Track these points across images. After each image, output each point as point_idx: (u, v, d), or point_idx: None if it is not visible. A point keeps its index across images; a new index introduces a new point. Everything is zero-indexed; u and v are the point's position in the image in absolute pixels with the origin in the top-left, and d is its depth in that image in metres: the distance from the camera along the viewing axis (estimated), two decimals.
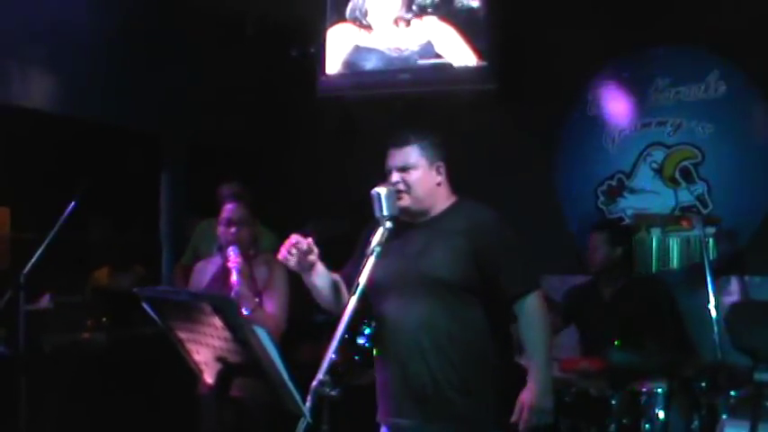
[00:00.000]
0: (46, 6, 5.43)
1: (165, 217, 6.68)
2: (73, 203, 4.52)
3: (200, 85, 6.39)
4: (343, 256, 3.56)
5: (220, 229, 4.29)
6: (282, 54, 6.47)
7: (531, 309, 3.29)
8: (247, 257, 4.23)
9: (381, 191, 3.20)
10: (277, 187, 6.38)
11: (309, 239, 3.21)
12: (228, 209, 4.31)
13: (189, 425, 4.96)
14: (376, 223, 3.14)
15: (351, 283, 3.35)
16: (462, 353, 3.26)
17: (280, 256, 3.21)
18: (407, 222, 3.38)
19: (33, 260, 4.37)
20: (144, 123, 6.39)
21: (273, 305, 4.16)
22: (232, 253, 4.11)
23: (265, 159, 6.68)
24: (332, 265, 3.43)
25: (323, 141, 6.53)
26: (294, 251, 3.18)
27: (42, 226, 4.65)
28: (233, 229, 4.23)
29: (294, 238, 3.20)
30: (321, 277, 3.34)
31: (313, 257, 3.25)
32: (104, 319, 5.45)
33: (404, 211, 3.31)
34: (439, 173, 3.40)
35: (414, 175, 3.35)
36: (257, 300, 4.12)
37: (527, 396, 3.23)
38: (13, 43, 5.50)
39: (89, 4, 5.62)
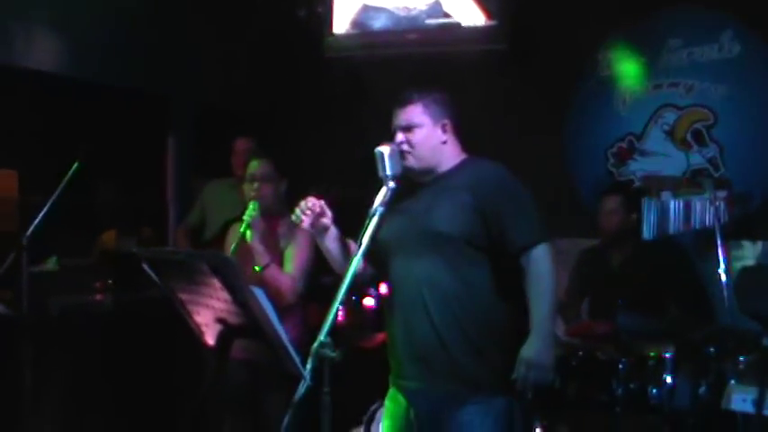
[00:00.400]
0: None
1: (173, 179, 6.65)
2: (75, 166, 4.48)
3: (208, 45, 6.33)
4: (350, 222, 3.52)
5: (245, 186, 4.24)
6: (290, 14, 6.39)
7: (537, 261, 3.15)
8: (270, 215, 4.16)
9: (384, 150, 3.17)
10: (285, 148, 6.32)
11: (322, 201, 3.18)
12: (253, 165, 4.24)
13: (196, 387, 4.99)
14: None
15: None
16: (469, 311, 3.18)
17: (293, 217, 3.19)
18: (414, 183, 3.33)
19: (36, 222, 4.33)
20: (151, 85, 6.34)
21: (292, 265, 4.09)
22: (251, 208, 4.04)
23: (273, 120, 6.63)
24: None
25: (331, 102, 6.46)
26: (308, 212, 3.15)
27: (50, 189, 4.62)
28: (255, 185, 4.17)
29: (309, 199, 3.17)
30: (334, 241, 3.31)
31: (326, 220, 3.22)
32: (110, 282, 5.43)
33: (409, 170, 3.26)
34: (444, 131, 3.31)
35: (418, 135, 3.27)
36: (271, 257, 4.05)
37: (527, 351, 3.12)
38: (17, 4, 5.45)
39: None
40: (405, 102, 3.31)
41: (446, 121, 3.32)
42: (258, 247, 3.99)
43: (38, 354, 4.42)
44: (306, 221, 3.19)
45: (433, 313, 3.19)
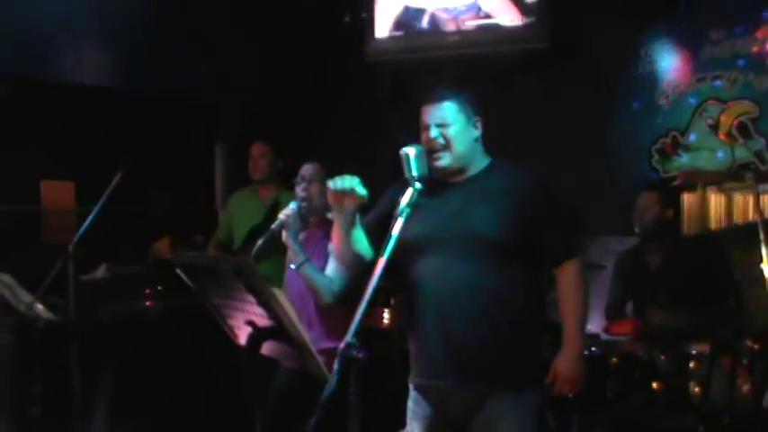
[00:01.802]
0: None
1: (222, 186, 6.75)
2: (118, 176, 4.58)
3: (252, 53, 6.42)
4: None
5: (295, 188, 4.24)
6: (333, 20, 6.46)
7: (571, 275, 3.24)
8: (319, 216, 4.16)
9: (410, 151, 3.13)
10: (329, 153, 6.38)
11: (357, 181, 3.17)
12: (304, 167, 4.25)
13: (240, 391, 5.06)
14: (403, 183, 3.09)
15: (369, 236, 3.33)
16: (506, 313, 3.20)
17: (328, 183, 3.20)
18: (442, 181, 3.32)
19: (81, 231, 4.45)
20: (199, 94, 6.45)
21: (332, 269, 4.03)
22: (289, 207, 4.08)
23: (318, 125, 6.70)
24: None
25: (374, 106, 6.50)
26: (345, 189, 3.17)
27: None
28: (302, 186, 4.18)
29: (345, 177, 3.19)
30: (353, 231, 3.31)
31: (349, 203, 3.22)
32: (160, 288, 5.54)
33: (442, 170, 3.25)
34: (477, 128, 3.31)
35: (453, 130, 3.27)
36: (309, 256, 4.06)
37: (561, 366, 3.21)
38: (69, 20, 5.59)
39: None
40: (439, 98, 3.30)
41: (477, 118, 3.32)
42: (293, 246, 4.00)
43: (87, 360, 4.54)
44: (335, 197, 3.21)
45: (471, 314, 3.19)
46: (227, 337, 3.40)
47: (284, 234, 4.01)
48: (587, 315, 3.31)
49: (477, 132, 3.31)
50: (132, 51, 5.94)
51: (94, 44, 5.86)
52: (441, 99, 3.29)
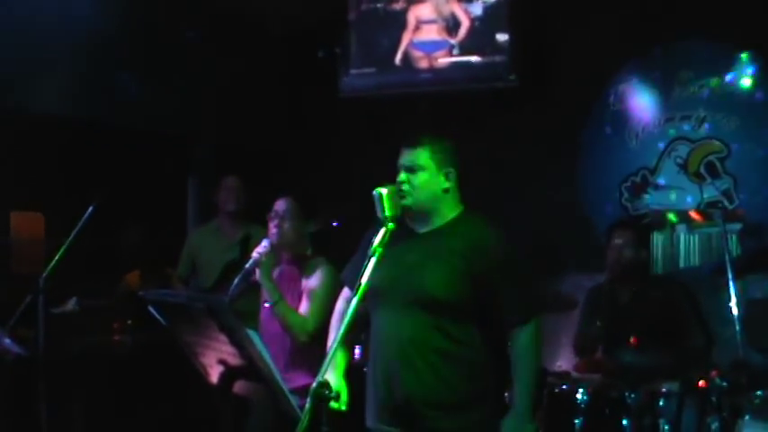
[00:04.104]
0: (67, 7, 5.48)
1: (193, 219, 6.73)
2: (90, 209, 4.56)
3: (226, 87, 6.42)
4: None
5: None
6: (307, 54, 6.49)
7: (525, 339, 3.24)
8: (291, 253, 4.17)
9: (383, 191, 3.15)
10: (301, 187, 6.38)
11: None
12: (277, 203, 4.23)
13: (213, 427, 5.02)
14: (378, 225, 3.11)
15: (351, 285, 3.35)
16: (455, 370, 3.24)
17: None
18: (410, 230, 3.35)
19: (52, 264, 4.42)
20: (171, 127, 6.44)
21: (306, 308, 4.07)
22: (262, 244, 4.05)
23: (291, 160, 6.70)
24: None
25: (347, 141, 6.53)
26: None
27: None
28: (275, 221, 4.15)
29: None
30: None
31: None
32: (129, 322, 5.50)
33: (405, 210, 3.27)
34: (448, 179, 3.31)
35: (420, 177, 3.28)
36: (282, 295, 4.05)
37: (507, 429, 3.24)
38: (36, 51, 5.57)
39: (112, 6, 5.67)
40: (413, 143, 3.32)
41: (450, 170, 3.32)
42: (267, 284, 3.99)
43: (55, 393, 4.49)
44: None
45: (419, 371, 3.23)
46: (197, 374, 3.39)
47: (258, 272, 4.00)
48: (537, 378, 3.34)
49: (447, 183, 3.31)
50: (103, 83, 5.92)
51: (64, 75, 5.83)
52: (415, 144, 3.32)
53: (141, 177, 6.28)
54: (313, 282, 4.11)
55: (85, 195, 4.76)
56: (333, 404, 3.11)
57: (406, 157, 3.33)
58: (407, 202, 3.27)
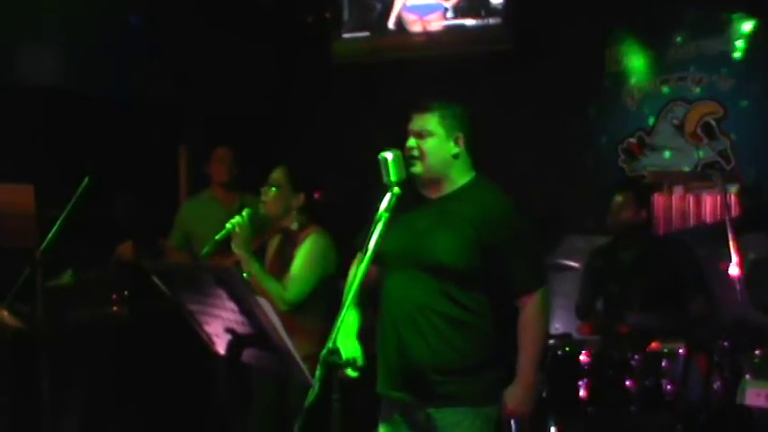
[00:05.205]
0: None
1: (185, 188, 6.68)
2: (85, 181, 4.51)
3: (216, 54, 6.36)
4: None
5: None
6: (298, 20, 6.43)
7: (533, 309, 3.24)
8: (279, 224, 4.17)
9: (388, 156, 3.12)
10: (295, 155, 6.35)
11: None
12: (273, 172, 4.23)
13: (211, 396, 5.02)
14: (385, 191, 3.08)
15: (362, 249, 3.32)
16: (463, 336, 3.23)
17: None
18: (421, 196, 3.32)
19: (49, 237, 4.38)
20: (162, 96, 6.38)
21: (285, 277, 4.05)
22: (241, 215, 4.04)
23: (282, 127, 6.66)
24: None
25: (340, 107, 6.47)
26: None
27: (67, 203, 4.65)
28: (263, 189, 4.17)
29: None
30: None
31: None
32: (126, 293, 5.46)
33: (415, 177, 3.25)
34: (457, 144, 3.27)
35: (429, 143, 3.25)
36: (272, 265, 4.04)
37: (509, 399, 3.25)
38: (25, 22, 5.49)
39: None
40: (422, 108, 3.29)
41: (460, 135, 3.28)
42: (242, 254, 3.97)
43: (55, 367, 4.46)
44: None
45: (427, 336, 3.23)
46: (195, 343, 3.37)
47: (233, 243, 3.99)
48: (542, 348, 3.34)
49: (456, 149, 3.28)
50: (92, 54, 5.85)
51: (53, 46, 5.76)
52: (424, 109, 3.28)
53: (133, 148, 6.22)
54: (299, 248, 4.11)
55: (75, 167, 4.71)
56: (349, 372, 3.12)
57: (416, 123, 3.29)
58: (417, 168, 3.24)
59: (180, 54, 6.24)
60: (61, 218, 4.44)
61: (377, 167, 3.12)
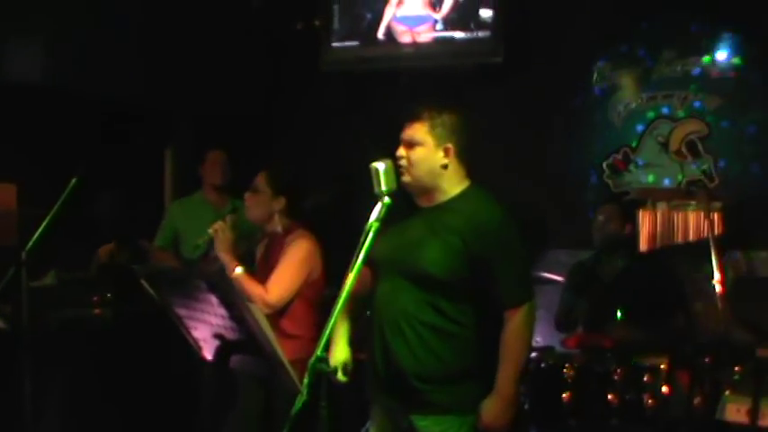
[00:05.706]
0: None
1: (171, 191, 6.67)
2: (73, 182, 4.50)
3: (205, 58, 6.35)
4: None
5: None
6: (288, 26, 6.43)
7: (517, 321, 3.23)
8: (263, 228, 4.22)
9: (379, 166, 3.10)
10: (283, 159, 6.35)
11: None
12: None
13: (194, 399, 5.02)
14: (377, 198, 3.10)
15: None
16: (448, 346, 3.24)
17: None
18: (415, 205, 3.34)
19: (35, 237, 4.35)
20: (150, 97, 6.36)
21: (268, 280, 4.06)
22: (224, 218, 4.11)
23: (270, 133, 6.66)
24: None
25: (328, 115, 6.49)
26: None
27: (49, 202, 4.63)
28: (247, 195, 4.24)
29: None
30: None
31: None
32: (109, 295, 5.44)
33: (405, 186, 3.27)
34: (447, 154, 3.27)
35: (418, 153, 3.25)
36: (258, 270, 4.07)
37: (486, 413, 3.23)
38: (13, 18, 5.47)
39: None
40: (412, 117, 3.29)
41: (449, 145, 3.27)
42: (222, 257, 4.00)
43: (37, 368, 4.44)
44: None
45: (410, 344, 3.25)
46: (179, 346, 3.38)
47: (216, 246, 4.03)
48: (523, 364, 3.31)
49: (445, 160, 3.26)
50: (79, 52, 5.82)
51: (39, 43, 5.74)
52: (414, 119, 3.28)
53: (118, 148, 6.20)
54: (281, 255, 4.13)
55: (59, 166, 4.69)
56: (339, 376, 3.14)
57: (406, 131, 3.30)
58: (406, 178, 3.26)
59: (169, 55, 6.23)
60: (48, 218, 4.41)
61: (365, 172, 3.12)
